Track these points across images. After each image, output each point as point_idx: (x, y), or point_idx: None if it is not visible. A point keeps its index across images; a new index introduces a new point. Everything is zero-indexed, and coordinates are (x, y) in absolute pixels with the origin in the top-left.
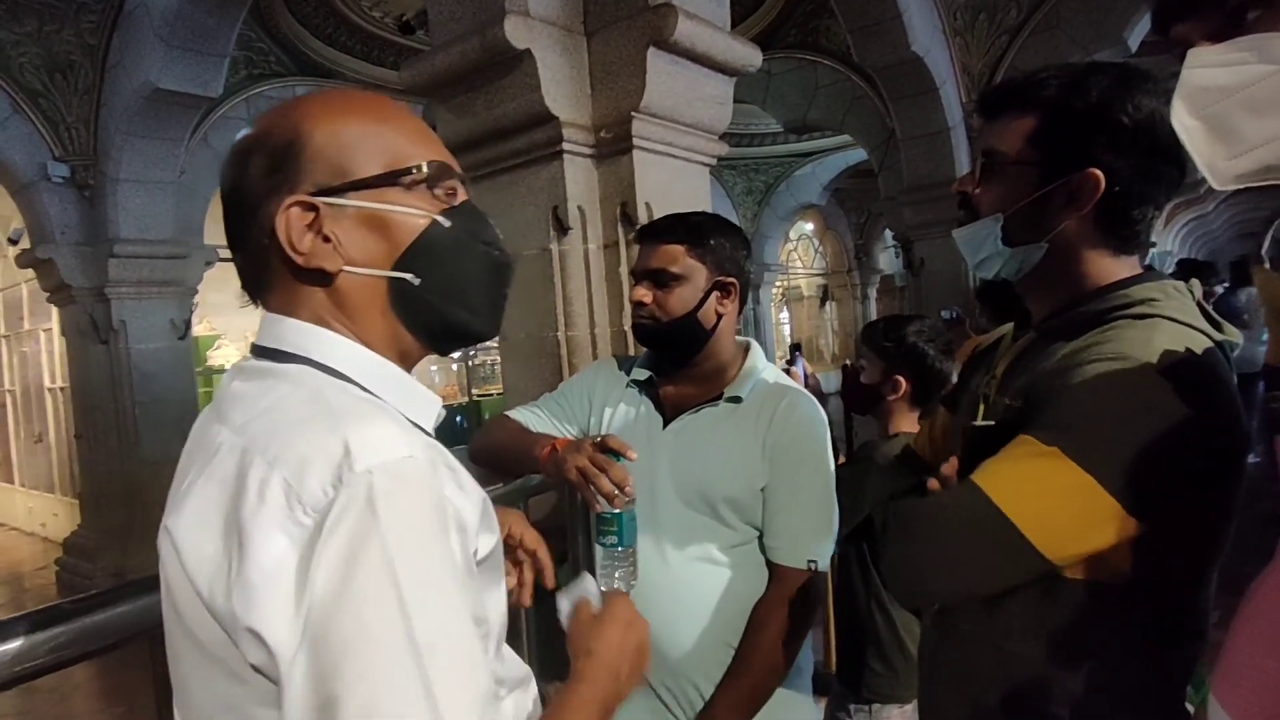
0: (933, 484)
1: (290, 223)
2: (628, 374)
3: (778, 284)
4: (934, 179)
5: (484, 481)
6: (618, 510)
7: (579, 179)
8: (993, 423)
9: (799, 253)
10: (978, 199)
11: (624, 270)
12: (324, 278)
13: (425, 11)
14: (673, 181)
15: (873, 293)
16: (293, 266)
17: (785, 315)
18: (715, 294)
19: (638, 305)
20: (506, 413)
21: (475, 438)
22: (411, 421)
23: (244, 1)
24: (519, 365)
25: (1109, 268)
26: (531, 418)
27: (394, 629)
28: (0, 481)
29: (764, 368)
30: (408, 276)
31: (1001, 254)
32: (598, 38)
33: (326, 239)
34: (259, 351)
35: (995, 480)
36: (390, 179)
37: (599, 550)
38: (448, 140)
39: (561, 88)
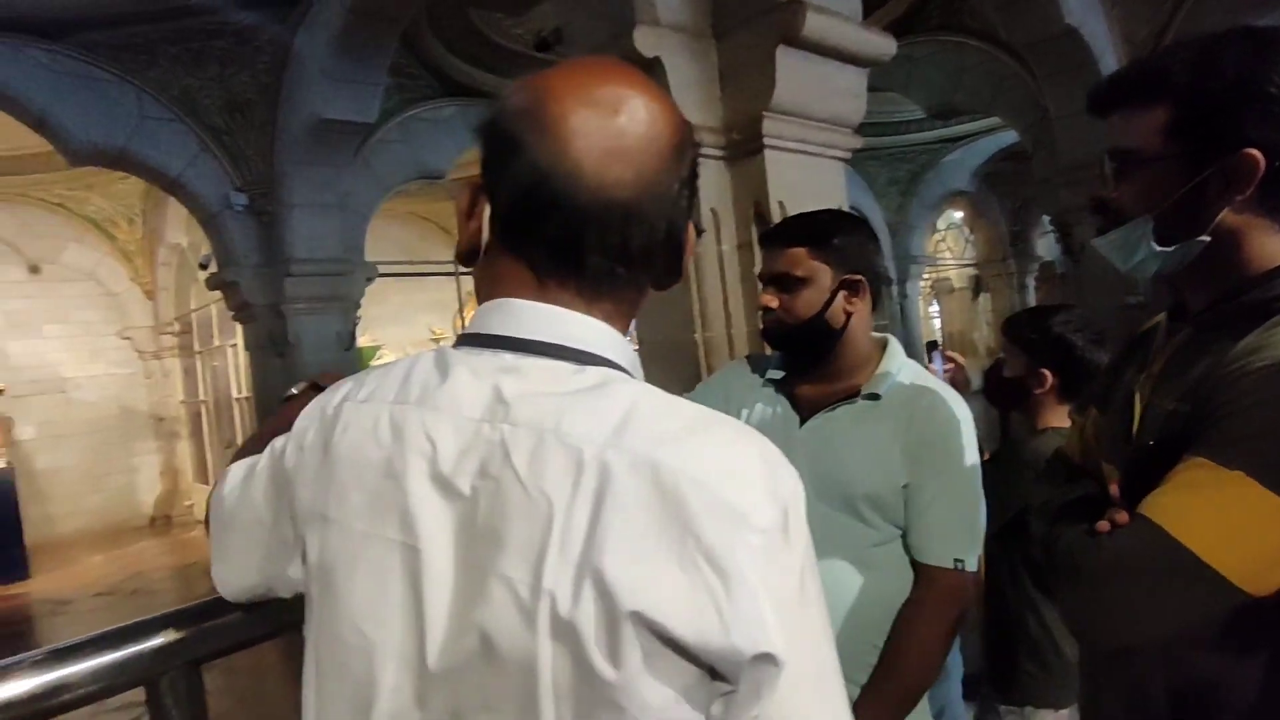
0: (1103, 526)
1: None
2: (762, 374)
3: (926, 276)
4: (1092, 158)
5: None
6: None
7: (711, 181)
8: (1151, 442)
9: (948, 242)
10: (1118, 202)
11: (759, 270)
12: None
13: (560, 29)
14: (806, 178)
15: (1031, 281)
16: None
17: (935, 308)
18: (842, 293)
19: (765, 310)
20: None
21: None
22: None
23: (395, 32)
24: (657, 368)
25: (1275, 249)
26: None
27: (826, 627)
28: (198, 483)
29: (902, 364)
30: None
31: (1157, 255)
32: (726, 40)
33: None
34: (522, 345)
35: (1175, 515)
36: None
37: None
38: None
39: (691, 93)
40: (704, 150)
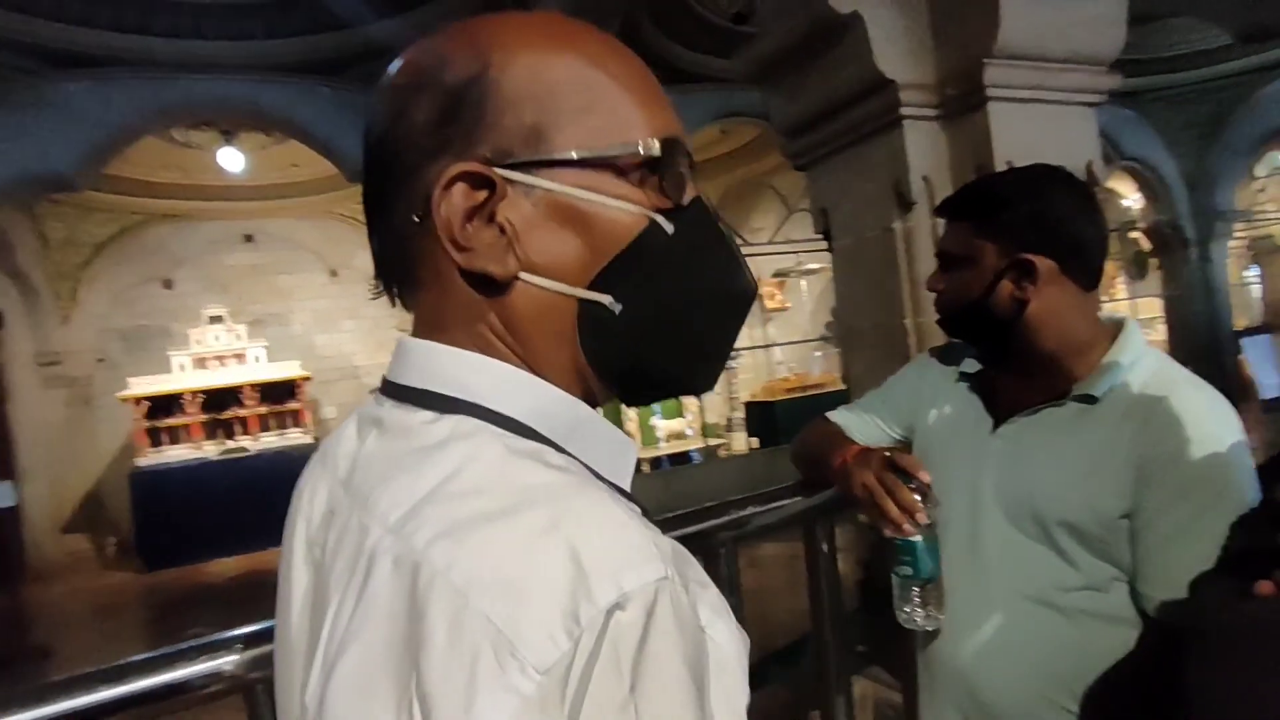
0: (1264, 588)
1: (452, 201)
2: (958, 365)
3: (1238, 234)
4: None
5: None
6: (911, 538)
7: (923, 146)
8: None
9: (1270, 192)
10: None
11: None
12: (491, 284)
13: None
14: (1045, 132)
15: None
16: (451, 266)
17: (1254, 273)
18: (1009, 277)
19: (932, 290)
20: (829, 414)
21: (795, 440)
22: (610, 484)
23: (613, 26)
24: (863, 356)
25: None
26: (853, 419)
27: None
28: None
29: (1137, 357)
30: (605, 300)
31: None
32: None
33: (501, 230)
34: (399, 391)
35: None
36: (605, 158)
37: (894, 578)
38: (781, 128)
39: (896, 45)
40: (913, 110)
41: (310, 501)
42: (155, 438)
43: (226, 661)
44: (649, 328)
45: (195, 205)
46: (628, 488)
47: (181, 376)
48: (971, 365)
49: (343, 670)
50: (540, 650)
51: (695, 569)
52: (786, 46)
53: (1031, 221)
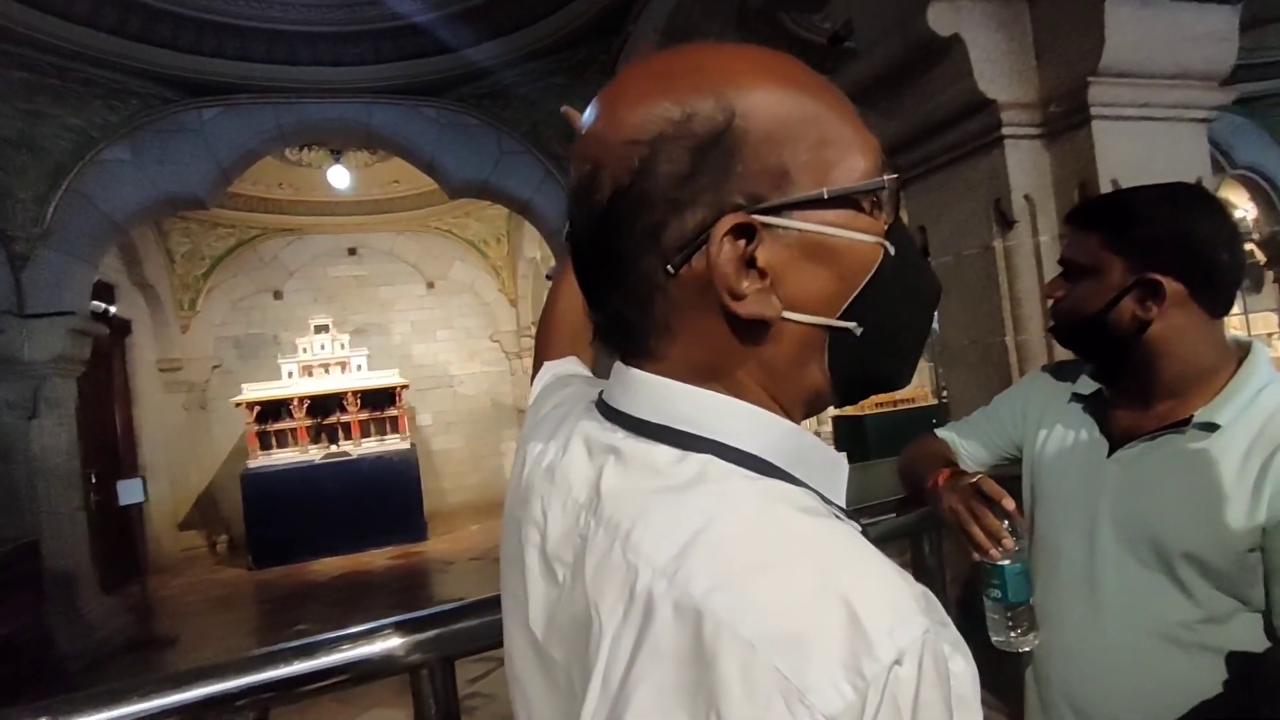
0: None
1: (725, 252)
2: (1073, 384)
3: None
4: None
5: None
6: (999, 563)
7: (1024, 165)
8: None
9: None
10: None
11: None
12: (755, 330)
13: (850, 20)
14: (1150, 150)
15: None
16: (713, 314)
17: None
18: (1133, 294)
19: (1050, 299)
20: (936, 430)
21: (901, 454)
22: (824, 498)
23: (709, 40)
24: (963, 374)
25: None
26: (960, 437)
27: None
28: None
29: (1265, 383)
30: (851, 326)
31: None
32: (1042, 1)
33: (762, 273)
34: (633, 423)
35: None
36: (849, 197)
37: (985, 601)
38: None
39: (998, 66)
40: (1014, 130)
41: (542, 514)
42: (265, 441)
43: (396, 645)
44: (880, 341)
45: (305, 220)
46: (843, 504)
47: (289, 383)
48: (1086, 385)
49: (638, 706)
50: (827, 699)
51: (938, 609)
52: (884, 68)
53: (1166, 241)
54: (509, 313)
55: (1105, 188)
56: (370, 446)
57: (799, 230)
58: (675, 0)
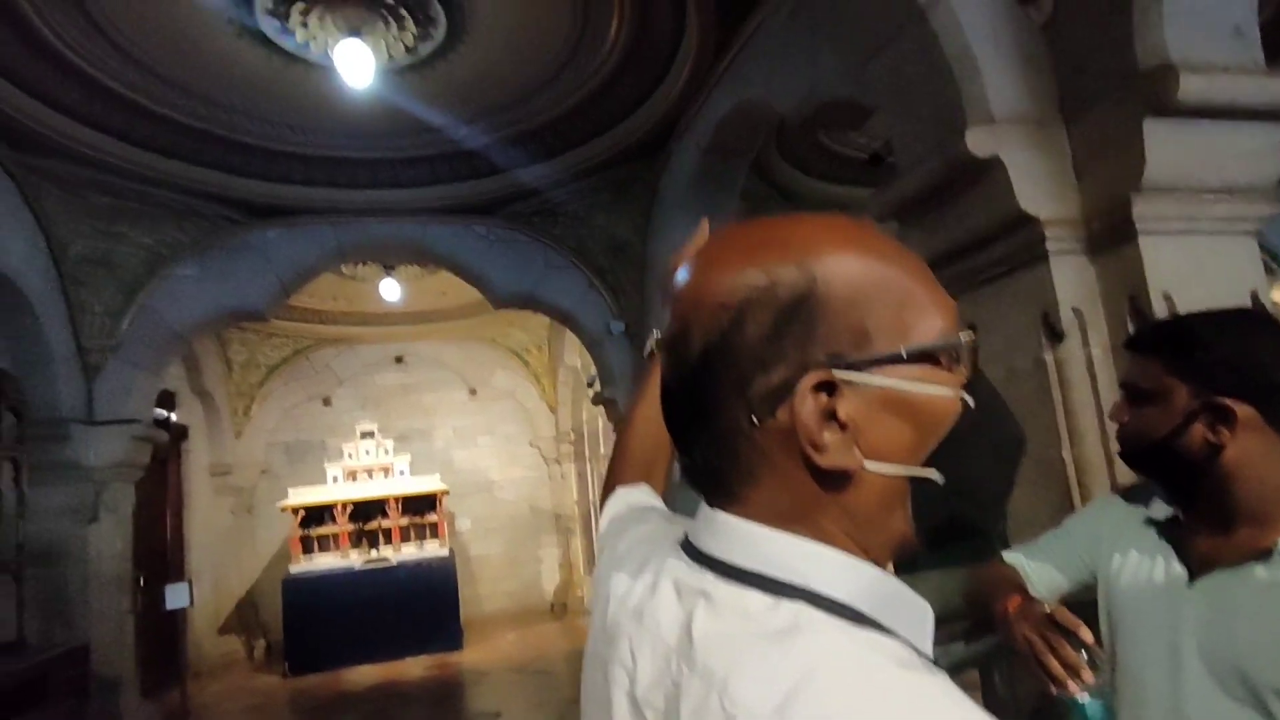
0: None
1: (808, 407)
2: (1146, 507)
3: None
4: None
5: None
6: (1078, 698)
7: (1071, 278)
8: None
9: None
10: None
11: None
12: (837, 479)
13: (889, 141)
14: (1203, 262)
15: None
16: (797, 463)
17: None
18: (1204, 419)
19: (1114, 421)
20: (1005, 553)
21: (966, 577)
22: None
23: (745, 164)
24: (1021, 490)
25: None
26: (1029, 561)
27: None
28: (588, 575)
29: None
30: (932, 474)
31: None
32: (1079, 122)
33: (843, 426)
34: (722, 567)
35: None
36: (927, 353)
37: None
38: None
39: (1038, 185)
40: (1058, 245)
41: (631, 656)
42: (307, 545)
43: None
44: (964, 490)
45: (356, 330)
46: (930, 653)
47: (334, 488)
48: (1160, 510)
49: None
50: None
51: None
52: (926, 187)
53: (1231, 365)
54: (549, 419)
55: (1157, 301)
56: (410, 552)
57: (879, 385)
58: (717, 120)
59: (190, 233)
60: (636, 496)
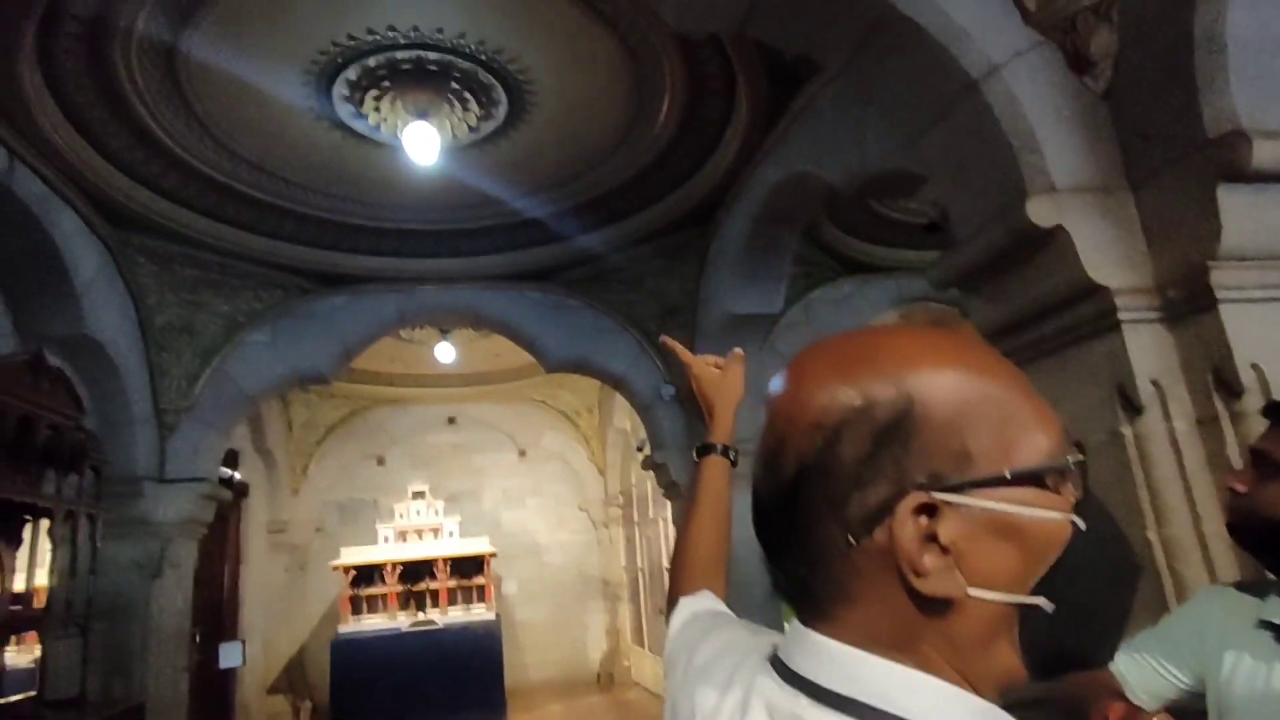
0: None
1: (908, 531)
2: (1258, 611)
3: None
4: None
5: None
6: None
7: (1147, 348)
8: None
9: None
10: None
11: (1233, 450)
12: (939, 604)
13: (946, 210)
14: None
15: None
16: (895, 586)
17: None
18: None
19: (1230, 492)
20: None
21: (1054, 683)
22: None
23: (795, 230)
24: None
25: None
26: (1129, 662)
27: None
28: (635, 645)
29: None
30: (1041, 602)
31: None
32: (1147, 189)
33: (945, 550)
34: (815, 690)
35: None
36: (1033, 475)
37: None
38: (982, 327)
39: (1106, 254)
40: (1131, 315)
41: None
42: (356, 605)
43: None
44: (1075, 618)
45: (410, 391)
46: None
47: (385, 548)
48: (1277, 609)
49: None
50: None
51: None
52: (986, 256)
53: None
54: (597, 482)
55: (1244, 372)
56: (456, 615)
57: (982, 509)
58: (767, 190)
59: (265, 301)
60: (703, 604)
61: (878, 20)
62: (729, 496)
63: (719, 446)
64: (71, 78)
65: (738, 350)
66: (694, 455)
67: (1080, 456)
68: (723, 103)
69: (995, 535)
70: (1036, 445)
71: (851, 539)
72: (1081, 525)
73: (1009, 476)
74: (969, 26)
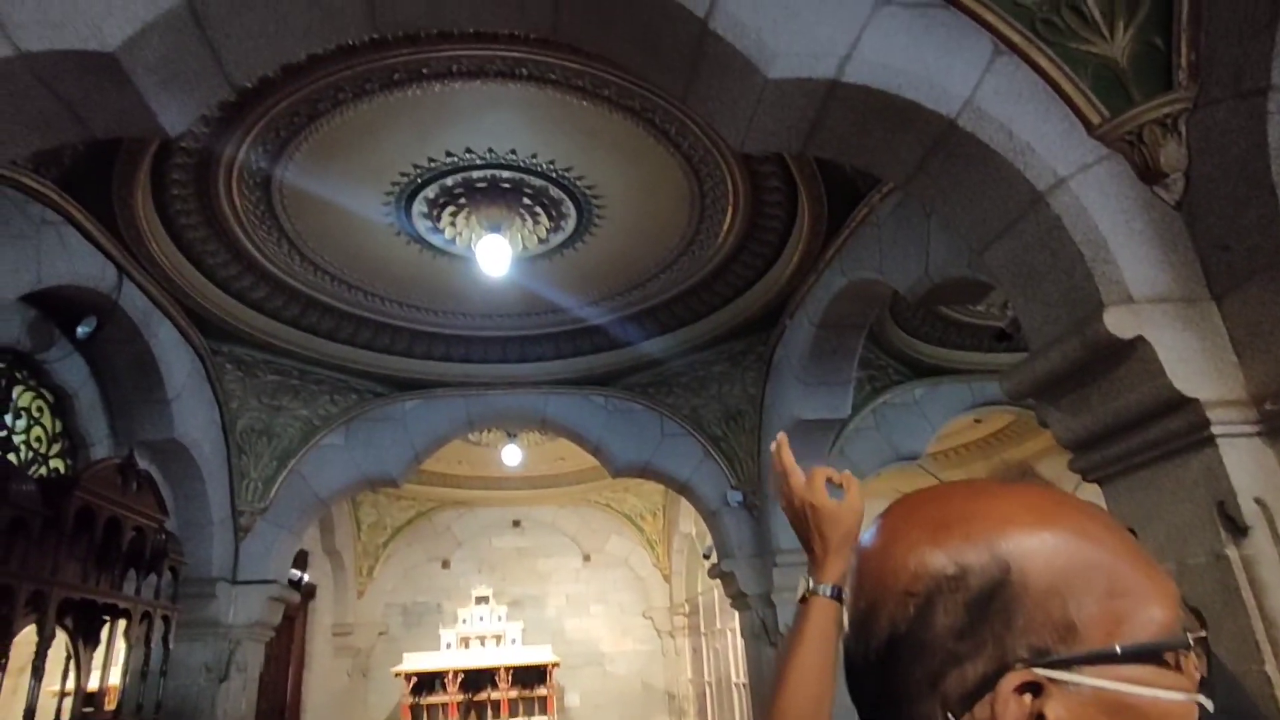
0: None
1: (1011, 710)
2: None
3: None
4: None
5: None
6: None
7: (1248, 465)
8: None
9: None
10: None
11: None
12: None
13: (1017, 319)
14: None
15: None
16: None
17: None
18: None
19: None
20: None
21: None
22: None
23: (860, 335)
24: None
25: None
26: None
27: None
28: None
29: None
30: None
31: None
32: (1231, 299)
33: None
34: None
35: None
36: (1148, 651)
37: None
38: (1063, 439)
39: (1192, 365)
40: (1226, 429)
41: None
42: (416, 714)
43: None
44: None
45: (476, 494)
46: None
47: (446, 655)
48: None
49: None
50: None
51: None
52: (1064, 367)
53: None
54: (662, 588)
55: None
56: None
57: (1092, 687)
58: (830, 297)
59: (340, 405)
60: None
61: (939, 137)
62: (837, 645)
63: (830, 588)
64: (177, 201)
65: (849, 474)
66: (798, 598)
67: (1203, 633)
68: (784, 213)
69: (1110, 715)
70: (1149, 617)
71: (951, 717)
72: (1209, 706)
73: (1119, 653)
74: (1032, 141)
